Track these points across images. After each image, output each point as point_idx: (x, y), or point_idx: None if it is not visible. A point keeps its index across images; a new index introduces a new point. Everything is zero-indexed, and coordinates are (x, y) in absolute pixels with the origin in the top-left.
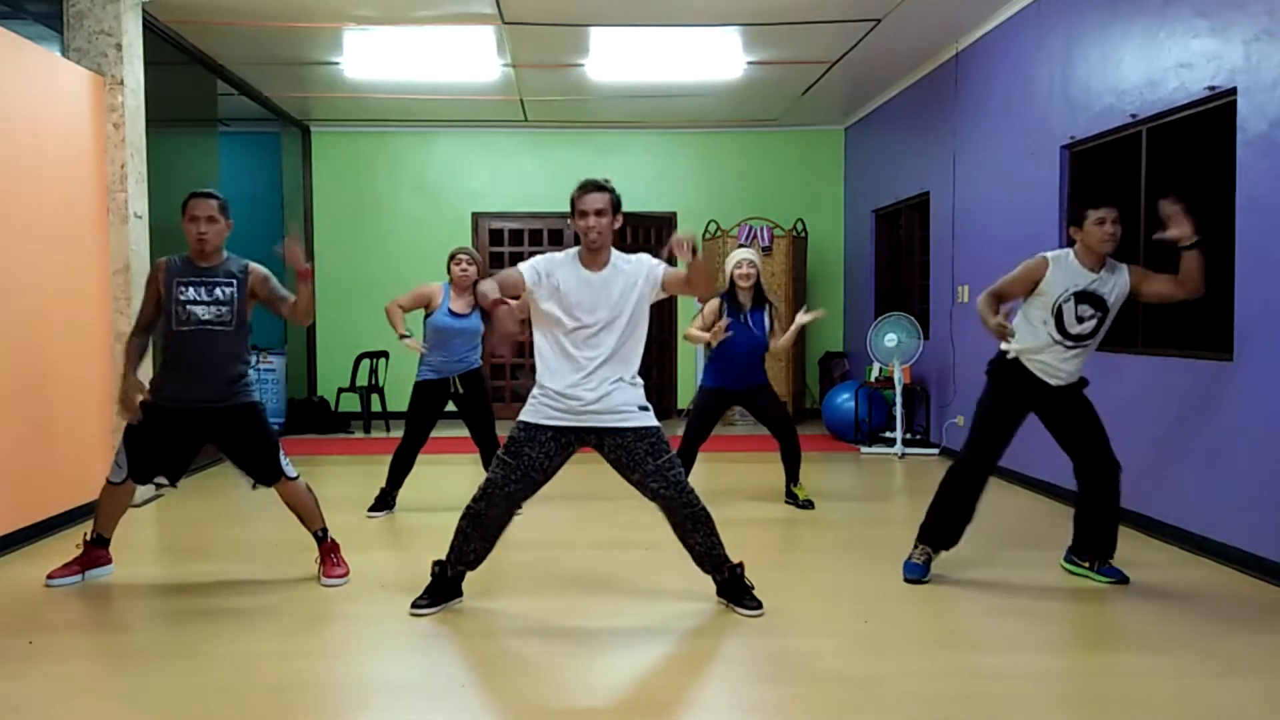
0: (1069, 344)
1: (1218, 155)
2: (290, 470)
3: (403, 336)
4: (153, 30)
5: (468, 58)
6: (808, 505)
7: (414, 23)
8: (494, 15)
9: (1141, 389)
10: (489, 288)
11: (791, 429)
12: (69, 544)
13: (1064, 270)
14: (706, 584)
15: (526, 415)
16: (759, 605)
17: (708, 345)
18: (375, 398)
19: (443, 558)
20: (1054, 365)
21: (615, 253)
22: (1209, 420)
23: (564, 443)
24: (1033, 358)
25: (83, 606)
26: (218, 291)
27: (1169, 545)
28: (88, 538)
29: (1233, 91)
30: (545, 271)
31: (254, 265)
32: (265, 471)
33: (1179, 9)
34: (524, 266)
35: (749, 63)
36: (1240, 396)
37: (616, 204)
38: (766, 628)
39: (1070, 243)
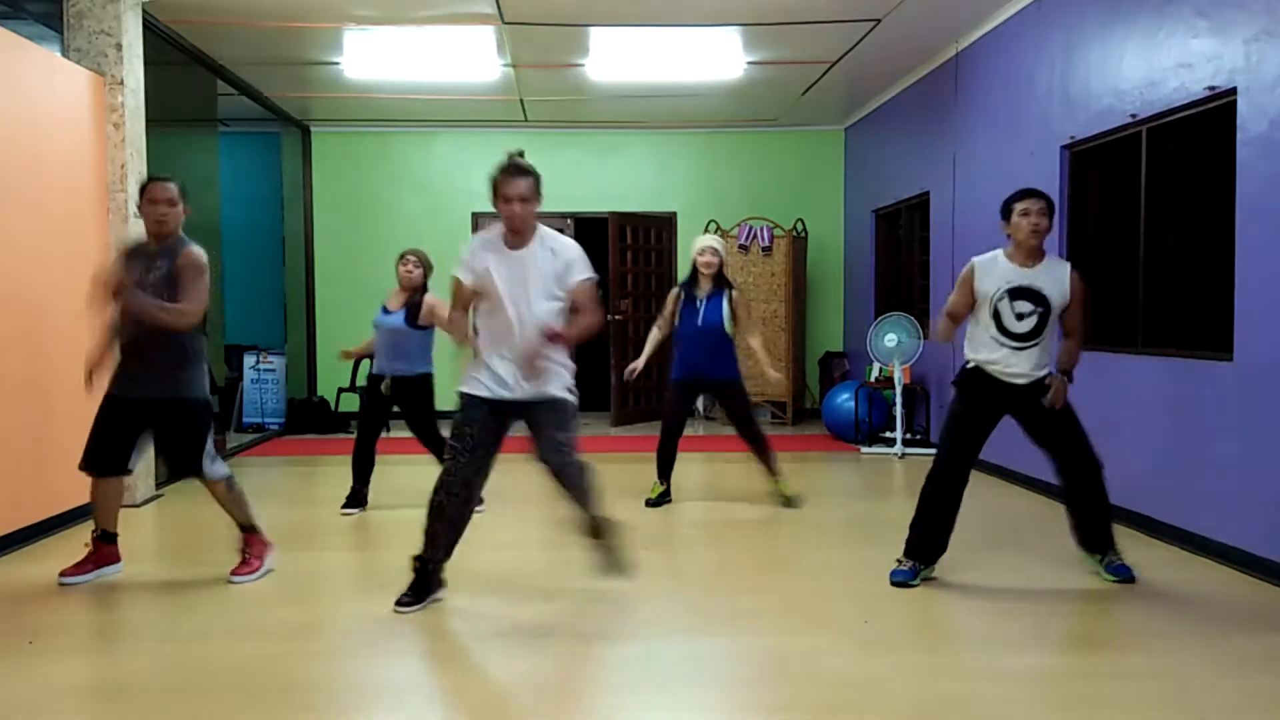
0: (1014, 344)
1: (1218, 155)
2: (214, 471)
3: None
4: (153, 30)
5: (468, 58)
6: (793, 503)
7: (414, 23)
8: (494, 15)
9: (1141, 389)
10: (439, 310)
11: (752, 429)
12: (69, 544)
13: (992, 270)
14: (705, 584)
15: (463, 386)
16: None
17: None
18: None
19: None
20: (1009, 366)
21: (542, 230)
22: (1209, 420)
23: (500, 416)
24: (988, 364)
25: (83, 606)
26: (152, 273)
27: (1169, 545)
28: (95, 534)
29: (1233, 91)
30: (472, 264)
31: (189, 249)
32: (183, 466)
33: (1179, 9)
34: (458, 273)
35: (749, 63)
36: (1240, 396)
37: (538, 187)
38: (766, 628)
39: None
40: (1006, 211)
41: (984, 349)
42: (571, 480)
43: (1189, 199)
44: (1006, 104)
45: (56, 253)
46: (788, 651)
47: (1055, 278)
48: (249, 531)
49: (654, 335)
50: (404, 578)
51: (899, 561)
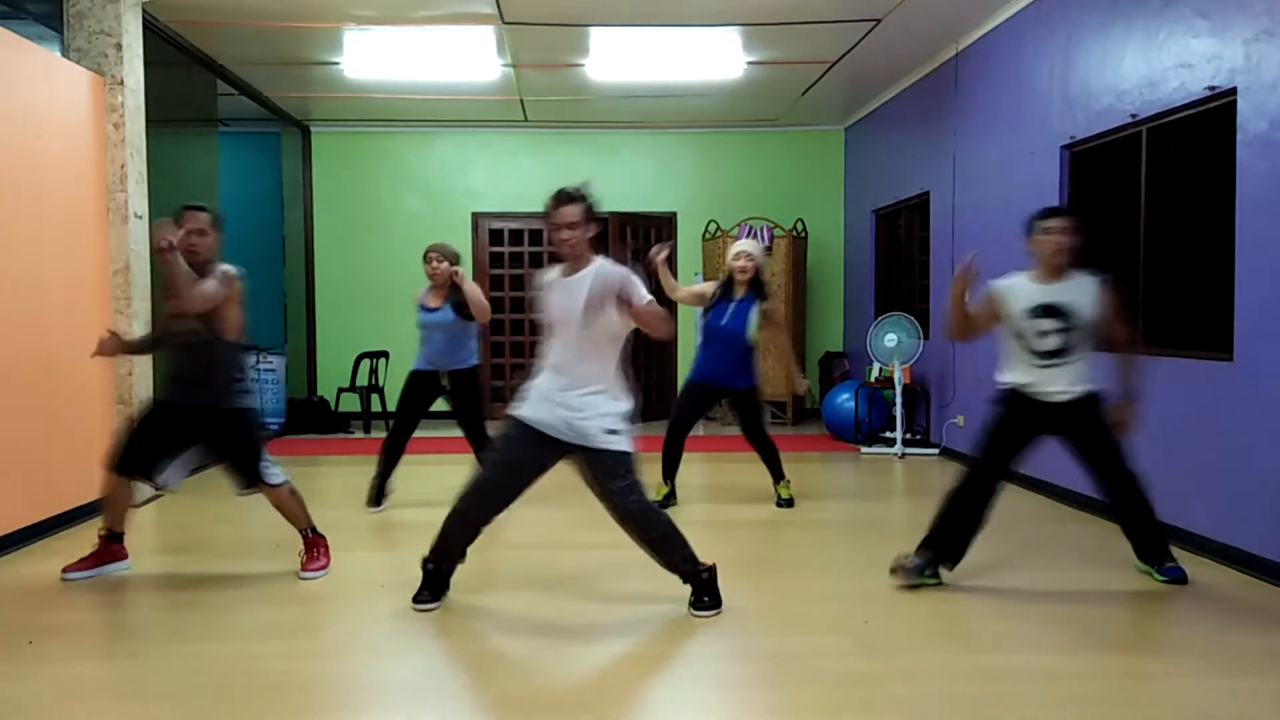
0: (1042, 362)
1: (1218, 155)
2: (273, 478)
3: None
4: (153, 30)
5: (468, 58)
6: (785, 504)
7: (414, 23)
8: (494, 15)
9: (1142, 389)
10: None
11: (762, 436)
12: (70, 543)
13: (1015, 293)
14: None
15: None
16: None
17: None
18: (375, 398)
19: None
20: (1044, 385)
21: (601, 260)
22: (1209, 420)
23: (543, 446)
24: (1025, 387)
25: (83, 606)
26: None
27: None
28: (101, 534)
29: (1233, 91)
30: (540, 299)
31: (222, 267)
32: (244, 476)
33: (1179, 9)
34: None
35: (749, 63)
36: (1240, 396)
37: (590, 213)
38: (766, 628)
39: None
40: (1030, 228)
41: (1018, 371)
42: (641, 535)
43: (1189, 199)
44: (1006, 104)
45: (57, 252)
46: (788, 651)
47: (1081, 292)
48: (313, 534)
49: (674, 285)
50: (405, 577)
51: (911, 554)
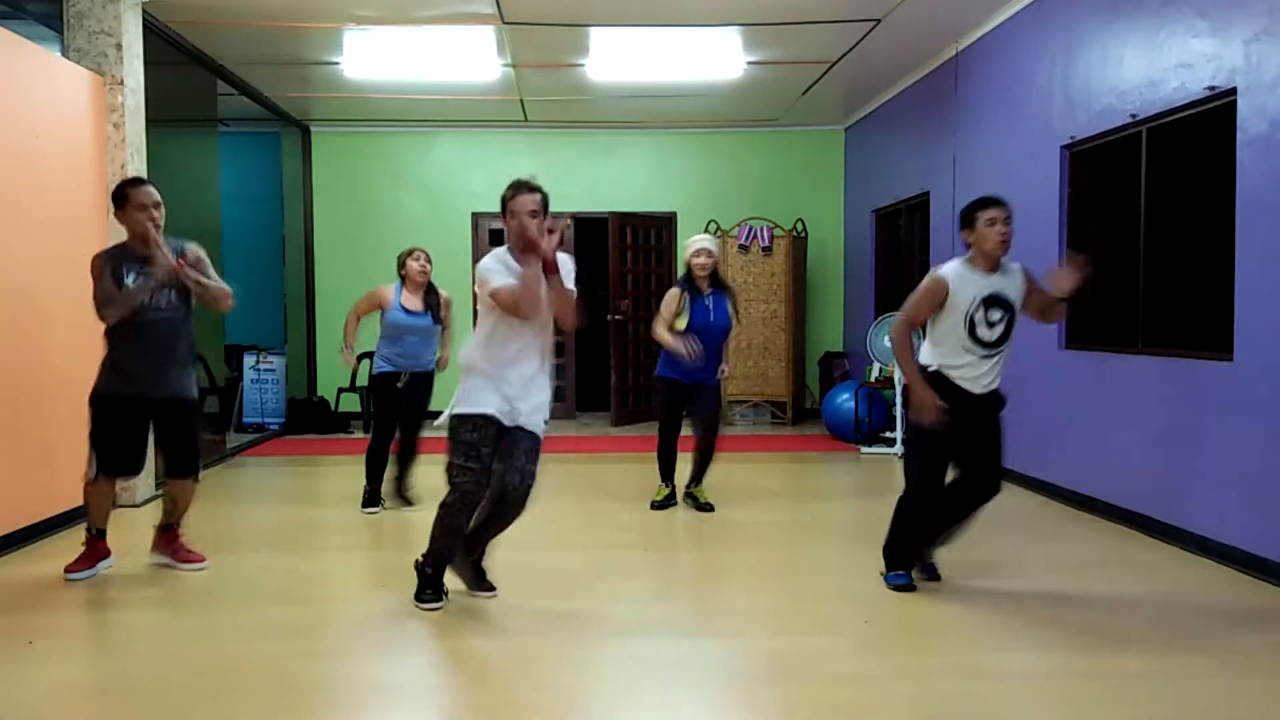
0: (983, 351)
1: (1218, 155)
2: (199, 471)
3: (343, 349)
4: (153, 30)
5: (468, 58)
6: (708, 508)
7: (414, 23)
8: (494, 15)
9: (1141, 389)
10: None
11: (714, 434)
12: (70, 543)
13: (965, 281)
14: (705, 584)
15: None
16: (492, 589)
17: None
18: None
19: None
20: (974, 374)
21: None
22: (1209, 420)
23: (499, 434)
24: (951, 369)
25: (82, 606)
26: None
27: (1169, 545)
28: (91, 532)
29: (1233, 91)
30: (508, 277)
31: (190, 245)
32: (189, 464)
33: (1179, 9)
34: (500, 282)
35: (749, 63)
36: (1240, 396)
37: (546, 203)
38: (766, 628)
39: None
40: (969, 220)
41: (951, 355)
42: (514, 512)
43: (1189, 199)
44: (1006, 104)
45: (56, 253)
46: (788, 651)
47: (1014, 281)
48: (175, 529)
49: (667, 337)
50: (405, 577)
51: (890, 570)
